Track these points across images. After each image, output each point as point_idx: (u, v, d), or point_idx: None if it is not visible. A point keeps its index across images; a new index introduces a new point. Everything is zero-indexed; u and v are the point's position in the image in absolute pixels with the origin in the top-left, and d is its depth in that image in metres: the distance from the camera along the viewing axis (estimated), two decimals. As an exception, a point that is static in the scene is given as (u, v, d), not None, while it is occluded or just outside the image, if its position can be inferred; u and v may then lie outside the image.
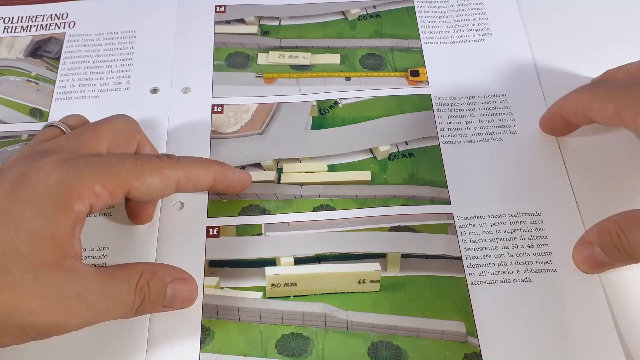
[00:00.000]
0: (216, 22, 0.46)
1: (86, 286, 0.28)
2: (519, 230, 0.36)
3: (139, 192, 0.31)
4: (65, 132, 0.34)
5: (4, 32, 0.45)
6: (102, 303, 0.29)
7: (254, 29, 0.45)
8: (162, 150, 0.39)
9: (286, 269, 0.35)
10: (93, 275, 0.29)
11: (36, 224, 0.27)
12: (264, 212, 0.37)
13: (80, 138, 0.32)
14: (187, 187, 0.33)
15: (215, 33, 0.45)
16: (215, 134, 0.40)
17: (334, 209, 0.37)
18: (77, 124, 0.35)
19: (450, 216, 0.37)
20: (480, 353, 0.32)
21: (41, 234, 0.27)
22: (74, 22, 0.46)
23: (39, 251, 0.27)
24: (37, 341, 0.32)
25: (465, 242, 0.36)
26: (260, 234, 0.36)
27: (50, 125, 0.34)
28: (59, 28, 0.45)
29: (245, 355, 0.32)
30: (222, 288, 0.34)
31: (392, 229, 0.36)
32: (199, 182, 0.33)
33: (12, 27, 0.46)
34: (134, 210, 0.35)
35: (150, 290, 0.30)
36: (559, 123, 0.38)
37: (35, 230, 0.27)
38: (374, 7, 0.47)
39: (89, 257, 0.35)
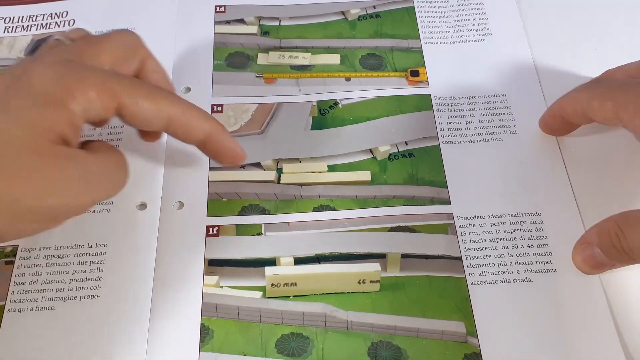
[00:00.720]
0: (216, 22, 0.46)
1: (86, 168, 0.29)
2: (519, 230, 0.36)
3: (129, 113, 0.30)
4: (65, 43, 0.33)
5: (4, 32, 0.45)
6: (103, 181, 0.30)
7: (254, 29, 0.45)
8: (162, 153, 0.39)
9: (286, 269, 0.35)
10: (90, 158, 0.29)
11: (33, 114, 0.27)
12: (263, 212, 0.37)
13: (81, 47, 0.31)
14: (178, 131, 0.32)
15: (215, 33, 0.45)
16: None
17: (334, 209, 0.37)
18: (78, 36, 0.34)
19: (450, 216, 0.37)
20: (480, 353, 0.32)
21: (38, 123, 0.27)
22: (74, 21, 0.46)
23: (38, 139, 0.27)
24: (37, 342, 0.32)
25: (465, 242, 0.36)
26: (260, 233, 0.36)
27: (53, 37, 0.33)
28: (58, 27, 0.45)
29: (244, 355, 0.32)
30: (221, 287, 0.34)
31: (392, 229, 0.36)
32: (191, 130, 0.32)
33: (13, 27, 0.46)
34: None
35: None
36: (559, 123, 0.38)
37: (33, 120, 0.27)
38: (374, 7, 0.47)
39: (88, 254, 0.35)
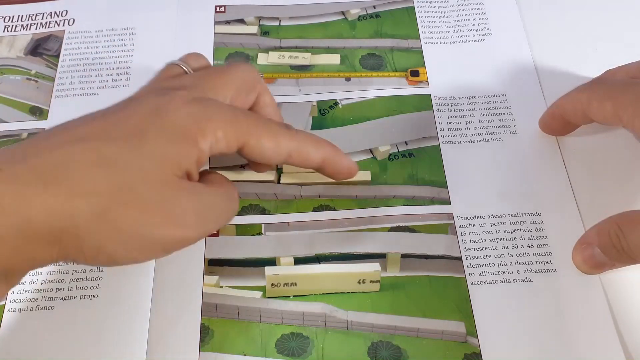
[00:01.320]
0: (216, 22, 0.46)
1: (206, 203, 0.29)
2: (519, 231, 0.36)
3: (251, 151, 0.31)
4: (187, 72, 0.34)
5: (4, 31, 0.45)
6: (216, 215, 0.30)
7: (254, 29, 0.45)
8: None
9: (286, 269, 0.35)
10: (208, 191, 0.30)
11: (164, 149, 0.28)
12: (263, 211, 0.37)
13: (207, 81, 0.32)
14: (296, 161, 0.33)
15: (215, 33, 0.45)
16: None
17: (334, 209, 0.37)
18: (199, 66, 0.35)
19: (450, 216, 0.37)
20: (480, 353, 0.32)
21: (167, 158, 0.28)
22: (73, 20, 0.46)
23: (164, 172, 0.28)
24: (37, 341, 0.32)
25: (465, 242, 0.36)
26: (260, 233, 0.36)
27: (173, 64, 0.34)
28: (58, 26, 0.45)
29: (244, 355, 0.32)
30: (221, 287, 0.34)
31: (392, 229, 0.36)
32: (309, 159, 0.33)
33: (13, 25, 0.46)
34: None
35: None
36: (559, 123, 0.38)
37: (162, 155, 0.28)
38: (374, 7, 0.47)
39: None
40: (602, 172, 0.38)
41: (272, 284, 0.34)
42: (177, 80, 0.32)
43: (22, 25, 0.46)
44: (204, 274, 0.35)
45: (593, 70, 0.40)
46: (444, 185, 0.38)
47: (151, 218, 0.27)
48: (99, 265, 0.28)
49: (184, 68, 0.34)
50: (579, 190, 0.37)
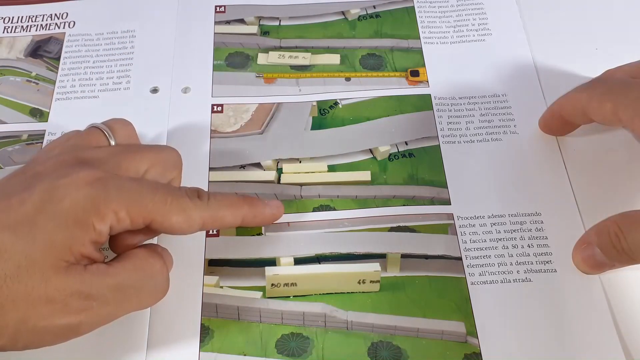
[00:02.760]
0: (216, 22, 0.46)
1: (97, 285, 0.28)
2: (519, 231, 0.36)
3: (160, 227, 0.31)
4: (109, 141, 0.34)
5: (4, 32, 0.45)
6: (115, 299, 0.29)
7: (254, 29, 0.45)
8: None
9: (286, 269, 0.35)
10: (105, 271, 0.29)
11: (54, 235, 0.28)
12: (263, 212, 0.37)
13: (123, 157, 0.32)
14: (212, 227, 0.34)
15: (215, 33, 0.45)
16: (215, 133, 0.40)
17: (334, 209, 0.37)
18: (124, 135, 0.35)
19: (450, 216, 0.37)
20: (480, 353, 0.32)
21: (57, 244, 0.28)
22: (74, 22, 0.46)
23: (52, 258, 0.28)
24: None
25: (465, 242, 0.36)
26: (260, 234, 0.36)
27: (96, 127, 0.34)
28: (58, 28, 0.45)
29: (244, 355, 0.32)
30: (221, 287, 0.34)
31: (392, 229, 0.36)
32: (225, 223, 0.33)
33: (12, 27, 0.46)
34: None
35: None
36: (559, 122, 0.38)
37: (52, 240, 0.28)
38: (374, 7, 0.47)
39: None
40: (602, 172, 0.38)
41: (272, 284, 0.34)
42: (94, 152, 0.32)
43: (22, 26, 0.46)
44: (204, 274, 0.35)
45: (593, 70, 0.40)
46: (444, 185, 0.38)
47: (34, 310, 0.27)
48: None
49: (106, 134, 0.34)
50: (579, 190, 0.37)
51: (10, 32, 0.45)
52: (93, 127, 0.35)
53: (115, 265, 0.30)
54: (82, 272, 0.28)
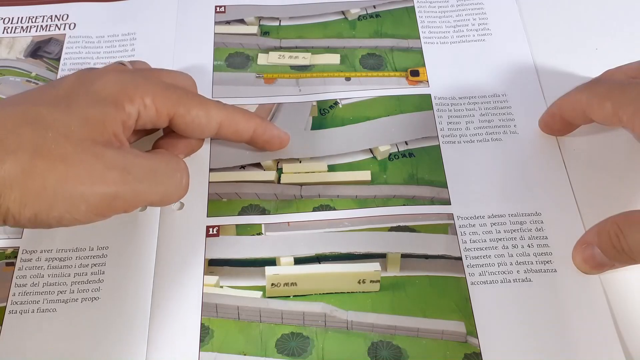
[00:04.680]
0: (216, 23, 0.46)
1: (132, 160, 0.30)
2: (519, 230, 0.36)
3: (182, 122, 0.33)
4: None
5: (3, 33, 0.45)
6: (149, 178, 0.31)
7: (254, 29, 0.45)
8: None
9: (286, 269, 0.35)
10: (138, 153, 0.31)
11: (89, 111, 0.30)
12: (263, 212, 0.37)
13: (144, 70, 0.36)
14: (227, 132, 0.35)
15: (215, 33, 0.45)
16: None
17: (334, 209, 0.37)
18: (142, 67, 0.38)
19: (450, 216, 0.37)
20: (480, 353, 0.32)
21: (92, 118, 0.30)
22: (74, 24, 0.46)
23: (89, 130, 0.30)
24: (38, 343, 0.32)
25: (465, 242, 0.36)
26: (260, 233, 0.36)
27: (119, 62, 0.36)
28: (59, 29, 0.45)
29: (244, 355, 0.32)
30: (221, 287, 0.34)
31: (392, 229, 0.36)
32: (240, 130, 0.35)
33: (12, 27, 0.46)
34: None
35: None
36: (558, 122, 0.38)
37: (87, 115, 0.30)
38: (374, 7, 0.47)
39: (89, 257, 0.35)
40: (602, 172, 0.38)
41: (272, 284, 0.34)
42: (112, 67, 0.35)
43: (22, 27, 0.46)
44: (204, 274, 0.35)
45: (593, 70, 0.40)
46: (444, 185, 0.38)
47: (73, 172, 0.28)
48: (29, 227, 0.29)
49: (125, 63, 0.36)
50: (579, 190, 0.37)
51: (10, 32, 0.45)
52: (115, 63, 0.37)
53: (147, 153, 0.33)
54: (120, 148, 0.30)
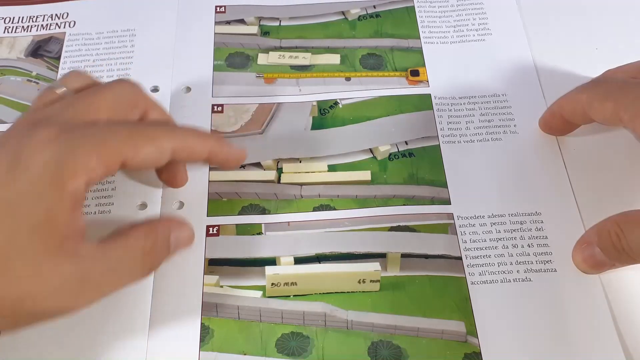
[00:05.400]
0: (216, 22, 0.46)
1: (89, 268, 0.28)
2: (519, 230, 0.36)
3: (134, 162, 0.30)
4: (62, 94, 0.33)
5: (4, 32, 0.45)
6: (108, 279, 0.29)
7: (254, 29, 0.45)
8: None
9: (286, 269, 0.35)
10: (96, 254, 0.28)
11: (34, 211, 0.27)
12: (264, 211, 0.37)
13: (78, 105, 0.31)
14: (182, 157, 0.32)
15: (215, 33, 0.45)
16: (216, 133, 0.40)
17: (334, 209, 0.37)
18: (79, 86, 0.33)
19: (450, 216, 0.37)
20: (480, 353, 0.32)
21: (39, 221, 0.27)
22: (74, 22, 0.46)
23: (38, 239, 0.27)
24: (39, 343, 0.32)
25: (465, 241, 0.36)
26: (260, 233, 0.36)
27: (50, 88, 0.33)
28: (59, 28, 0.46)
29: (245, 354, 0.32)
30: (221, 286, 0.34)
31: (392, 228, 0.36)
32: (194, 152, 0.32)
33: (13, 27, 0.46)
34: (166, 175, 0.36)
35: (157, 251, 0.30)
36: (559, 122, 0.38)
37: (33, 218, 0.27)
38: (374, 7, 0.47)
39: None
40: (602, 172, 0.38)
41: (272, 284, 0.34)
42: (48, 110, 0.31)
43: (23, 26, 0.46)
44: (204, 273, 0.35)
45: (593, 70, 0.40)
46: (444, 185, 0.38)
47: (29, 292, 0.26)
48: None
49: (60, 92, 0.33)
50: (579, 190, 0.37)
51: (11, 32, 0.45)
52: (46, 89, 0.33)
53: (109, 244, 0.29)
54: (76, 256, 0.28)
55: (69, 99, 0.32)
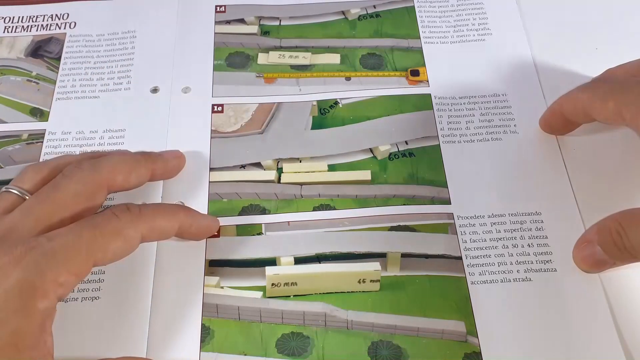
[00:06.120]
0: (216, 22, 0.46)
1: None
2: (519, 230, 0.36)
3: (105, 261, 0.30)
4: (23, 198, 0.32)
5: (4, 32, 0.45)
6: None
7: (254, 29, 0.45)
8: (162, 148, 0.39)
9: (286, 269, 0.35)
10: None
11: (0, 335, 0.27)
12: (264, 211, 0.37)
13: (39, 210, 0.31)
14: (151, 239, 0.32)
15: (215, 33, 0.45)
16: (216, 133, 0.40)
17: (334, 209, 0.37)
18: (36, 184, 0.33)
19: (450, 216, 0.37)
20: (480, 352, 0.32)
21: (5, 344, 0.26)
22: (75, 23, 0.46)
23: None
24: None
25: (465, 241, 0.36)
26: (260, 233, 0.36)
27: (7, 191, 0.32)
28: (59, 28, 0.46)
29: (245, 355, 0.32)
30: (222, 287, 0.34)
31: (392, 228, 0.36)
32: (164, 232, 0.33)
33: (13, 27, 0.46)
34: None
35: None
36: (559, 121, 0.38)
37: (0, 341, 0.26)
38: (374, 6, 0.47)
39: None
40: (602, 172, 0.38)
41: (273, 284, 0.34)
42: (6, 221, 0.30)
43: (23, 26, 0.46)
44: (205, 274, 0.35)
45: (593, 70, 0.40)
46: (444, 184, 0.38)
47: None
48: None
49: (18, 194, 0.32)
50: (579, 190, 0.37)
51: (11, 32, 0.45)
52: (3, 192, 0.33)
53: None
54: None
55: (27, 204, 0.31)
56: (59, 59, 0.44)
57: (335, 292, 0.34)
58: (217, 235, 0.36)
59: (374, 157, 0.39)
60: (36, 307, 0.27)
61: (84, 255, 0.29)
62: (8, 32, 0.45)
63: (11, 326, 0.27)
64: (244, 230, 0.36)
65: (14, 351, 0.27)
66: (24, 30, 0.46)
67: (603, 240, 0.32)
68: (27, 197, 0.32)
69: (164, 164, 0.37)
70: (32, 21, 0.46)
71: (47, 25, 0.46)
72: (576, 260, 0.34)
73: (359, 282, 0.34)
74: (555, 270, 0.34)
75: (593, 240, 0.33)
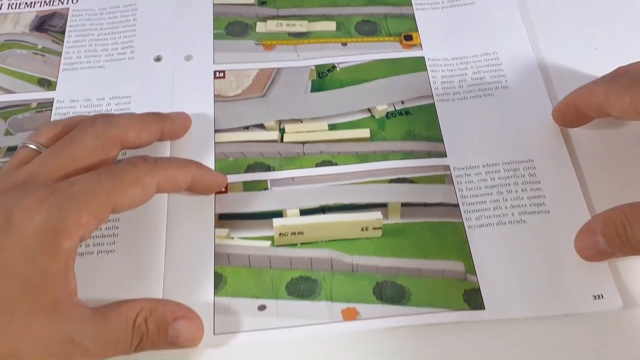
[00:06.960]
0: (215, -6, 0.47)
1: (79, 330, 0.28)
2: (513, 177, 0.37)
3: (123, 206, 0.31)
4: (39, 152, 0.33)
5: (8, 9, 0.46)
6: (96, 345, 0.29)
7: (251, -1, 0.47)
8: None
9: (293, 220, 0.36)
10: (87, 317, 0.29)
11: (28, 274, 0.28)
12: (268, 168, 0.39)
13: (55, 161, 0.32)
14: (166, 189, 0.34)
15: (214, 4, 0.46)
16: (219, 98, 0.42)
17: (336, 164, 0.39)
18: (51, 138, 0.34)
19: (447, 167, 0.38)
20: (480, 289, 0.34)
21: (33, 282, 0.28)
22: (77, -1, 0.47)
23: (31, 299, 0.28)
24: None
25: (462, 190, 0.37)
26: (266, 189, 0.38)
27: (24, 146, 0.34)
28: (62, 4, 0.47)
29: (257, 297, 0.34)
30: (232, 238, 0.36)
31: (391, 181, 0.38)
32: (178, 183, 0.34)
33: (16, 3, 0.47)
34: None
35: (149, 329, 0.30)
36: (573, 114, 0.38)
37: (27, 280, 0.28)
38: (367, -24, 0.48)
39: (101, 228, 0.36)
40: (595, 123, 0.39)
41: (280, 234, 0.36)
42: (26, 170, 0.32)
43: (26, 2, 0.47)
44: (215, 227, 0.36)
45: (584, 21, 0.41)
46: (439, 139, 0.40)
47: (19, 350, 0.27)
48: None
49: (35, 148, 0.33)
50: (568, 135, 0.39)
51: (15, 8, 0.46)
52: (21, 147, 0.34)
53: (102, 311, 0.30)
54: (67, 317, 0.28)
55: (45, 155, 0.33)
56: (63, 32, 0.45)
57: (340, 240, 0.36)
58: (225, 191, 0.38)
59: (372, 116, 0.41)
60: (61, 247, 0.29)
61: (104, 199, 0.30)
62: (12, 8, 0.47)
63: (39, 266, 0.28)
64: (250, 186, 0.38)
65: (42, 291, 0.28)
66: (27, 6, 0.47)
67: (607, 232, 0.32)
68: (44, 151, 0.33)
69: (172, 124, 0.38)
70: (36, -4, 0.47)
71: (49, 1, 0.47)
72: (577, 248, 0.34)
73: (362, 229, 0.36)
74: (549, 212, 0.36)
75: (596, 230, 0.33)
